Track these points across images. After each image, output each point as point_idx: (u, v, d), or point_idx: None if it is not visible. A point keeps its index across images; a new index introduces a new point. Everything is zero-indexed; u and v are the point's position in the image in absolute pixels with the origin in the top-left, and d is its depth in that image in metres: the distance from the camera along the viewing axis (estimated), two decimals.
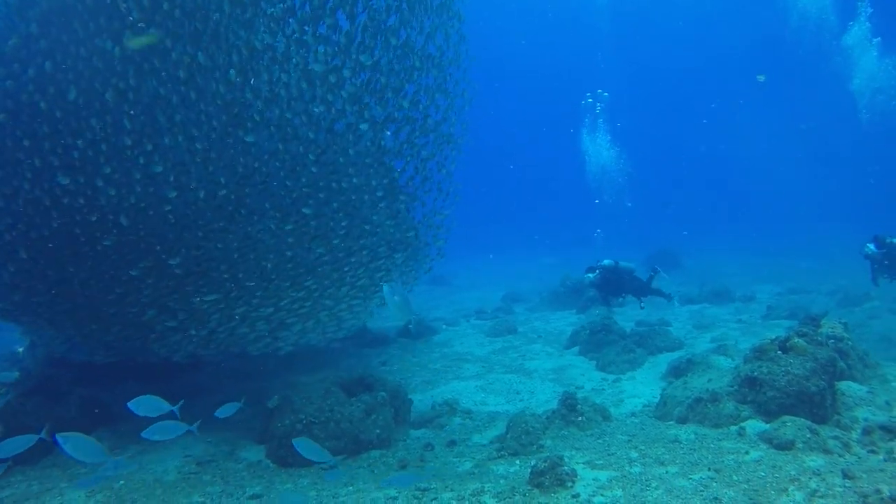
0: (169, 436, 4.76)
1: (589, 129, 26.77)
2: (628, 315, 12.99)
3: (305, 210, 6.40)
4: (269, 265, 6.48)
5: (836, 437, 4.84)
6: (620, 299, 10.66)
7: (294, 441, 4.78)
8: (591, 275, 9.70)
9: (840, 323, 6.98)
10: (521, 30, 47.44)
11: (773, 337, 6.03)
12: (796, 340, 5.76)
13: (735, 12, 43.11)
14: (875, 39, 20.38)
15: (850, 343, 6.56)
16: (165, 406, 4.79)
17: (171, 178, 5.69)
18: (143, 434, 4.67)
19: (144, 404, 4.73)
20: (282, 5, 5.79)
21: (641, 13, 44.93)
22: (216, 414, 5.26)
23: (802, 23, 23.09)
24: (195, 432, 4.86)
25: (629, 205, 27.40)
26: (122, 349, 6.87)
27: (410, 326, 11.41)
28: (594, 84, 28.38)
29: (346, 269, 7.16)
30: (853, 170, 44.74)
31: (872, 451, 4.66)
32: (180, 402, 4.97)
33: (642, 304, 9.94)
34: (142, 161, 5.52)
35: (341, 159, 6.69)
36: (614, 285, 9.76)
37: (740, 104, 47.51)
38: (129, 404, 4.66)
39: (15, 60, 5.21)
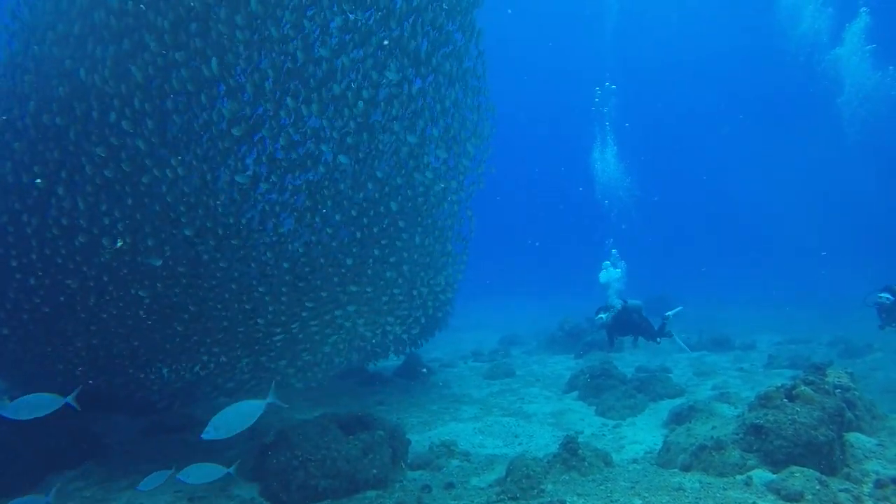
0: None
1: (599, 144, 26.20)
2: (627, 360, 12.86)
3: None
4: (269, 304, 6.40)
5: (846, 490, 4.71)
6: (626, 340, 10.57)
7: (180, 475, 4.55)
8: (603, 314, 9.65)
9: (846, 373, 6.89)
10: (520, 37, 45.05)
11: (779, 385, 5.94)
12: (803, 388, 5.67)
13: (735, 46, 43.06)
14: (868, 47, 20.60)
15: (856, 393, 6.46)
16: None
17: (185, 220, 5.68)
18: None
19: None
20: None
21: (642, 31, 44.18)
22: (139, 487, 4.79)
23: (799, 46, 23.46)
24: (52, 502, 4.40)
25: (623, 226, 27.07)
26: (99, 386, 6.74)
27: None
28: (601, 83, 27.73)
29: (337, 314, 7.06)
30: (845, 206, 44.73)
31: None
32: None
33: (658, 341, 9.85)
34: (164, 189, 5.53)
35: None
36: (622, 324, 9.72)
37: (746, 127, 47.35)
38: None
39: (34, 90, 5.29)
